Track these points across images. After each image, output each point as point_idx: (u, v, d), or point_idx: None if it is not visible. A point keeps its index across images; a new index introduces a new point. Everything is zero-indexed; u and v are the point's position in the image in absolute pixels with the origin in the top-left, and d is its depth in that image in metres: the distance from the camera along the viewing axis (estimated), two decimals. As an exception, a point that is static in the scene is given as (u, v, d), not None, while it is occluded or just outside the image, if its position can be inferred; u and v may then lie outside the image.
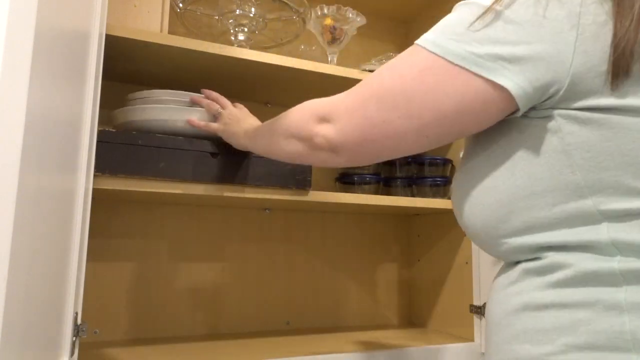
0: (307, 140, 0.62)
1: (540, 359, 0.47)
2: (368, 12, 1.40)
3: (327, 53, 1.19)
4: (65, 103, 0.52)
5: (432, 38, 0.52)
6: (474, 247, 1.17)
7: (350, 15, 1.16)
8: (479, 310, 1.12)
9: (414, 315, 1.41)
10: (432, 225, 1.36)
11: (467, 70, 0.49)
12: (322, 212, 1.35)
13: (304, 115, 0.64)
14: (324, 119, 0.60)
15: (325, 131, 0.59)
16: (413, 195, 1.24)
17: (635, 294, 0.45)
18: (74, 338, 0.66)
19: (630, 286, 0.46)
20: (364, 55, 1.46)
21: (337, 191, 1.15)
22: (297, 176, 0.99)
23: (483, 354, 1.12)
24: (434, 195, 1.22)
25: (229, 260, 1.23)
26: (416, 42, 0.54)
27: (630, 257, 0.46)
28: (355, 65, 1.17)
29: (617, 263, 0.46)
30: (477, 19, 0.49)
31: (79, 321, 0.68)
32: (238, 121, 0.86)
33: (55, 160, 0.48)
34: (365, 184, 1.23)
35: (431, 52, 0.51)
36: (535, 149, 0.50)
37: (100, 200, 1.09)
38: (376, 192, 1.24)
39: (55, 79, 0.45)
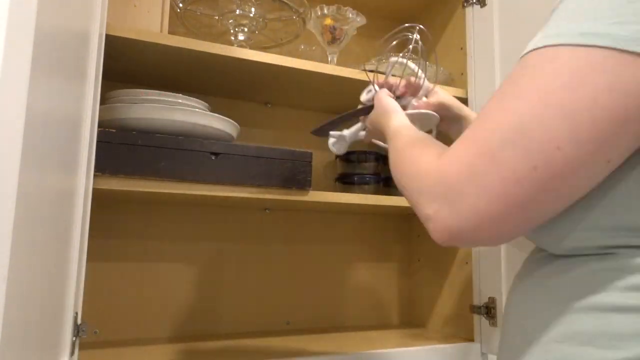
0: (425, 220, 0.48)
1: None
2: (368, 12, 1.40)
3: (327, 53, 1.19)
4: (65, 103, 0.52)
5: (581, 30, 0.39)
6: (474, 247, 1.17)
7: (350, 15, 1.16)
8: (479, 310, 1.12)
9: (414, 315, 1.41)
10: (432, 225, 1.35)
11: None
12: (322, 212, 1.35)
13: (414, 189, 0.50)
14: (436, 199, 0.45)
15: (438, 216, 0.45)
16: (413, 195, 1.24)
17: None
18: (74, 338, 0.66)
19: None
20: (364, 55, 1.46)
21: (337, 191, 1.15)
22: (297, 176, 0.99)
23: (483, 353, 1.12)
24: (434, 195, 1.22)
25: (228, 260, 1.23)
26: (543, 44, 0.41)
27: None
28: (355, 65, 1.17)
29: None
30: None
31: (79, 321, 0.68)
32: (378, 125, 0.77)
33: (55, 160, 0.48)
34: (365, 184, 1.23)
35: (590, 46, 0.38)
36: None
37: (100, 200, 1.09)
38: (376, 192, 1.24)
39: (55, 79, 0.45)
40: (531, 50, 0.42)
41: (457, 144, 0.45)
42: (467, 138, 0.45)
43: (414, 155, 0.54)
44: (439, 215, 0.44)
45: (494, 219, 0.42)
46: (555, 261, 0.48)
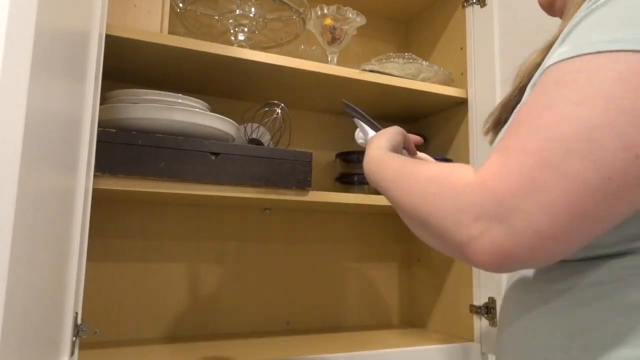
0: (454, 246, 0.43)
1: None
2: (368, 12, 1.41)
3: (327, 53, 1.19)
4: (65, 103, 0.52)
5: (637, 34, 0.38)
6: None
7: (350, 15, 1.16)
8: (479, 310, 1.12)
9: (414, 315, 1.41)
10: (432, 225, 1.36)
11: None
12: (322, 212, 1.35)
13: (447, 208, 0.43)
14: (484, 217, 0.40)
15: (487, 236, 0.39)
16: (413, 195, 1.24)
17: None
18: (74, 338, 0.66)
19: None
20: (364, 55, 1.46)
21: (337, 191, 1.15)
22: (297, 176, 0.99)
23: (483, 353, 1.12)
24: (434, 195, 1.22)
25: (228, 260, 1.23)
26: (590, 50, 0.39)
27: None
28: (355, 65, 1.17)
29: None
30: None
31: (79, 321, 0.68)
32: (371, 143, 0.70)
33: (55, 160, 0.48)
34: (365, 184, 1.23)
35: None
36: None
37: (100, 200, 1.09)
38: (376, 192, 1.24)
39: (55, 79, 0.45)
40: (573, 57, 0.40)
41: (501, 157, 0.40)
42: (515, 149, 0.40)
43: (433, 173, 0.46)
44: (488, 236, 0.39)
45: (556, 237, 0.38)
46: (564, 265, 0.47)
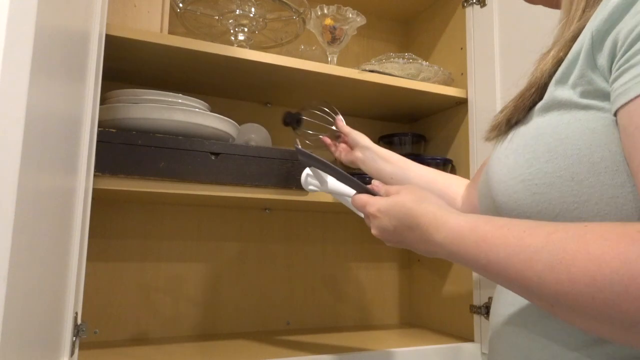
0: None
1: None
2: (368, 12, 1.40)
3: (327, 53, 1.19)
4: (65, 103, 0.52)
5: None
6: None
7: (350, 15, 1.16)
8: (479, 310, 1.12)
9: (414, 315, 1.41)
10: (432, 225, 1.36)
11: None
12: (322, 212, 1.35)
13: (626, 299, 0.31)
14: None
15: None
16: (413, 195, 1.24)
17: None
18: (74, 338, 0.66)
19: None
20: (364, 55, 1.46)
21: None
22: (297, 176, 0.99)
23: (483, 353, 1.12)
24: (434, 195, 1.21)
25: (229, 260, 1.23)
26: None
27: None
28: (355, 65, 1.17)
29: None
30: None
31: (79, 321, 0.68)
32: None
33: (55, 160, 0.48)
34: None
35: None
36: None
37: (100, 200, 1.09)
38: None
39: (55, 79, 0.45)
40: None
41: None
42: None
43: (570, 248, 0.35)
44: None
45: None
46: None
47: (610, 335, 0.34)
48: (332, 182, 0.79)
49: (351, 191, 0.71)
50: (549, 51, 0.52)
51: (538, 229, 0.39)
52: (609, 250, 0.32)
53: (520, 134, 0.49)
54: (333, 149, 1.04)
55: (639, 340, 0.32)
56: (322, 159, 0.72)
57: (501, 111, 0.55)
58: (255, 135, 1.13)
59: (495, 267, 0.41)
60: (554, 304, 0.36)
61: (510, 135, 0.51)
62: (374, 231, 0.62)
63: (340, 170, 0.70)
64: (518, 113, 0.52)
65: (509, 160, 0.48)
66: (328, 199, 1.04)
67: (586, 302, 0.33)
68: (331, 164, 0.70)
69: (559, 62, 0.48)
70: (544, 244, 0.37)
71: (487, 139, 0.56)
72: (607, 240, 0.33)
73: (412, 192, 0.58)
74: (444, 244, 0.49)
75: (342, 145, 1.02)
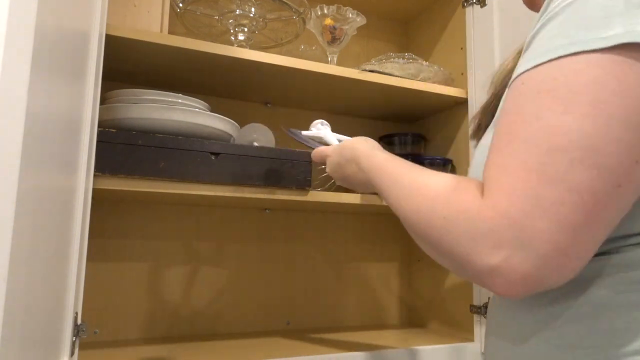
0: (472, 273, 0.41)
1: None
2: (368, 12, 1.40)
3: (327, 53, 1.19)
4: (65, 103, 0.52)
5: (599, 35, 0.37)
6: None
7: (350, 15, 1.16)
8: (479, 310, 1.12)
9: (414, 315, 1.41)
10: (432, 225, 1.36)
11: None
12: (322, 212, 1.35)
13: (460, 234, 0.40)
14: (502, 245, 0.38)
15: (510, 264, 0.37)
16: (413, 195, 1.24)
17: None
18: (74, 338, 0.66)
19: None
20: (364, 55, 1.46)
21: (337, 191, 1.15)
22: (297, 176, 0.99)
23: (483, 353, 1.12)
24: (434, 195, 1.21)
25: (228, 260, 1.23)
26: (559, 54, 0.38)
27: None
28: (355, 65, 1.17)
29: None
30: None
31: (79, 321, 0.68)
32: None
33: (55, 160, 0.48)
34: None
35: (620, 45, 0.36)
36: None
37: (100, 200, 1.09)
38: (376, 192, 1.23)
39: (55, 79, 0.45)
40: (546, 62, 0.39)
41: (503, 176, 0.39)
42: (515, 167, 0.38)
43: (437, 190, 0.45)
44: (511, 264, 0.37)
45: (577, 250, 0.37)
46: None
47: (429, 252, 0.47)
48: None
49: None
50: (504, 61, 0.59)
51: (412, 174, 0.51)
52: (425, 202, 0.45)
53: (487, 134, 0.54)
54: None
55: (445, 261, 0.44)
56: (306, 138, 0.91)
57: (474, 116, 0.64)
58: (259, 135, 1.13)
59: (382, 194, 0.56)
60: (404, 223, 0.49)
61: (485, 137, 0.56)
62: (327, 169, 0.78)
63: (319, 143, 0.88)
64: (485, 117, 0.59)
65: (474, 160, 0.54)
66: (328, 199, 1.04)
67: (415, 236, 0.48)
68: (315, 142, 0.90)
69: (509, 73, 0.53)
70: (408, 186, 0.49)
71: (471, 137, 0.66)
72: (431, 193, 0.45)
73: (360, 138, 0.71)
74: (366, 171, 0.62)
75: None
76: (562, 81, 0.38)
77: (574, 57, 0.37)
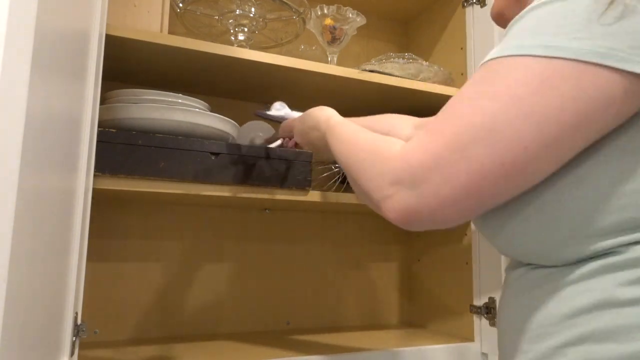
0: (373, 201, 0.51)
1: (629, 357, 0.43)
2: (368, 12, 1.40)
3: (327, 53, 1.19)
4: (65, 103, 0.52)
5: (545, 43, 0.44)
6: (474, 247, 1.17)
7: (350, 15, 1.16)
8: (479, 310, 1.12)
9: (414, 315, 1.41)
10: (432, 225, 1.36)
11: (609, 67, 0.42)
12: (322, 212, 1.35)
13: (372, 172, 0.52)
14: (398, 182, 0.48)
15: (398, 196, 0.47)
16: (413, 195, 1.24)
17: None
18: (74, 338, 0.66)
19: None
20: (364, 55, 1.46)
21: (337, 191, 1.15)
22: (297, 176, 0.99)
23: (483, 353, 1.12)
24: (434, 195, 1.21)
25: (228, 260, 1.23)
26: (507, 54, 0.45)
27: None
28: (355, 65, 1.17)
29: None
30: (606, 10, 0.42)
31: (79, 321, 0.68)
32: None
33: (55, 160, 0.48)
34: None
35: (556, 57, 0.43)
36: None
37: (100, 200, 1.09)
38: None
39: (55, 79, 0.45)
40: (496, 58, 0.46)
41: (423, 136, 0.48)
42: (435, 131, 0.47)
43: (368, 142, 0.56)
44: (398, 196, 0.48)
45: (453, 205, 0.46)
46: (547, 271, 0.50)
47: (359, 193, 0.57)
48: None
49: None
50: None
51: (360, 133, 0.60)
52: (361, 151, 0.56)
53: None
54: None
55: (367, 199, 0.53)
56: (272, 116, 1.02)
57: None
58: (261, 132, 1.12)
59: (333, 152, 0.65)
60: (349, 167, 0.58)
61: None
62: (295, 137, 0.87)
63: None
64: None
65: None
66: (328, 199, 1.04)
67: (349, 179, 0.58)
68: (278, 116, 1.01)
69: None
70: (354, 142, 0.59)
71: None
72: (367, 145, 0.55)
73: (321, 107, 0.81)
74: (325, 130, 0.72)
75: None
76: (500, 75, 0.45)
77: (517, 58, 0.45)
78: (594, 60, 0.42)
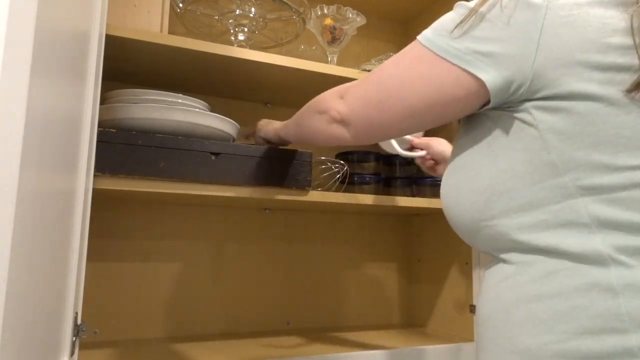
0: (325, 112, 0.70)
1: (540, 348, 0.50)
2: (368, 12, 1.41)
3: (327, 53, 1.19)
4: (65, 103, 0.52)
5: (427, 34, 0.61)
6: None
7: (350, 15, 1.16)
8: (479, 310, 1.12)
9: (414, 315, 1.41)
10: (432, 225, 1.36)
11: (448, 61, 0.57)
12: (322, 212, 1.35)
13: (330, 92, 0.72)
14: (341, 96, 0.69)
15: (340, 106, 0.68)
16: (413, 195, 1.24)
17: (624, 273, 0.48)
18: (74, 338, 0.66)
19: (618, 266, 0.48)
20: (364, 55, 1.46)
21: (337, 191, 1.15)
22: (297, 176, 0.99)
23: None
24: (434, 195, 1.22)
25: (228, 260, 1.23)
26: (417, 37, 0.62)
27: (612, 233, 0.50)
28: (355, 65, 1.17)
29: (600, 241, 0.50)
30: (465, 18, 0.58)
31: (79, 321, 0.68)
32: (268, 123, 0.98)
33: (55, 160, 0.48)
34: (365, 184, 1.23)
35: (423, 45, 0.60)
36: (514, 136, 0.56)
37: (100, 200, 1.09)
38: (376, 192, 1.24)
39: (55, 79, 0.45)
40: (416, 38, 0.62)
41: (353, 89, 0.67)
42: (359, 86, 0.66)
43: (312, 102, 0.75)
44: (337, 104, 0.68)
45: (363, 117, 0.65)
46: (496, 263, 0.59)
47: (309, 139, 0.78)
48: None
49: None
50: None
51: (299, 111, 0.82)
52: (311, 115, 0.75)
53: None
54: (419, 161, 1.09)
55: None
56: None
57: None
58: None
59: (295, 133, 0.84)
60: (307, 126, 0.77)
61: None
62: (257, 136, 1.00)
63: None
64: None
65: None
66: (328, 199, 1.04)
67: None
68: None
69: None
70: (304, 110, 0.78)
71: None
72: (315, 113, 0.74)
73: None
74: (279, 129, 0.90)
75: (429, 162, 1.05)
76: (406, 52, 0.62)
77: (418, 43, 0.60)
78: (440, 54, 0.58)
